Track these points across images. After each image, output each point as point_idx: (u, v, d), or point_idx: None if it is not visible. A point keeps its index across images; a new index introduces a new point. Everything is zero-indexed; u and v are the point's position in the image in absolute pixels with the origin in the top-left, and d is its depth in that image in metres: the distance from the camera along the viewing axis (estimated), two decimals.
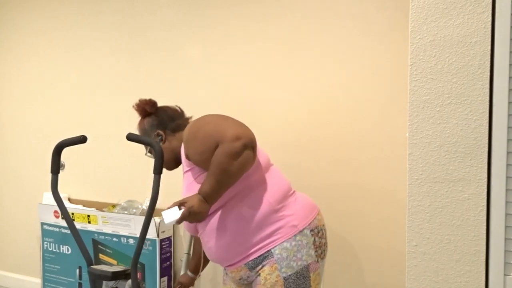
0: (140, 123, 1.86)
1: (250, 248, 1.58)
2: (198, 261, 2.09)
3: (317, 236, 1.62)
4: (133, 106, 1.86)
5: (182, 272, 2.26)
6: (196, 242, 2.09)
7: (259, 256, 1.57)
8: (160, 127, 1.82)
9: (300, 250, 1.56)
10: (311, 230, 1.61)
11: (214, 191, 1.50)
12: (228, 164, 1.47)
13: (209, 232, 1.63)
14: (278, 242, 1.56)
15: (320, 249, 1.62)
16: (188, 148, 1.60)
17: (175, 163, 1.83)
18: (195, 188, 1.60)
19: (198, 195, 1.52)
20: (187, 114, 2.02)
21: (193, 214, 1.50)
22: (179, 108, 1.91)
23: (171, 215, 1.51)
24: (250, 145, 1.49)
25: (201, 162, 1.57)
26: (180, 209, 1.53)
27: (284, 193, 1.63)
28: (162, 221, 1.45)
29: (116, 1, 2.77)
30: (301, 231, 1.58)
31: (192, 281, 2.12)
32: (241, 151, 1.47)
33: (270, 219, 1.57)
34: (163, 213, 1.52)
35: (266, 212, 1.57)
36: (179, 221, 1.51)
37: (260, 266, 1.57)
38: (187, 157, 1.62)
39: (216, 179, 1.49)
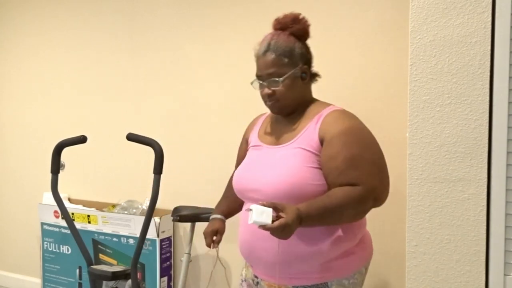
0: (288, 40, 1.50)
1: (313, 267, 1.44)
2: (233, 204, 1.72)
3: (365, 275, 1.58)
4: (282, 16, 1.55)
5: (182, 273, 2.25)
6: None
7: (312, 285, 1.45)
8: (307, 62, 1.54)
9: None
10: (366, 269, 1.57)
11: (317, 219, 1.36)
12: (348, 210, 1.38)
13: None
14: (338, 277, 1.46)
15: None
16: (335, 142, 1.40)
17: (292, 108, 1.53)
18: (299, 170, 1.41)
19: (298, 211, 1.31)
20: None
21: (282, 231, 1.29)
22: None
23: (262, 216, 1.28)
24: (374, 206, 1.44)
25: (328, 167, 1.41)
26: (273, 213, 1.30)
27: (365, 222, 1.58)
28: (250, 215, 1.26)
29: (116, 1, 2.77)
30: (359, 270, 1.52)
31: (224, 225, 1.74)
32: (368, 210, 1.43)
33: (350, 243, 1.48)
34: (253, 207, 1.28)
35: (351, 235, 1.48)
36: (265, 228, 1.29)
37: None
38: (320, 143, 1.43)
39: (328, 211, 1.35)
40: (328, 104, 1.55)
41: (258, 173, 1.49)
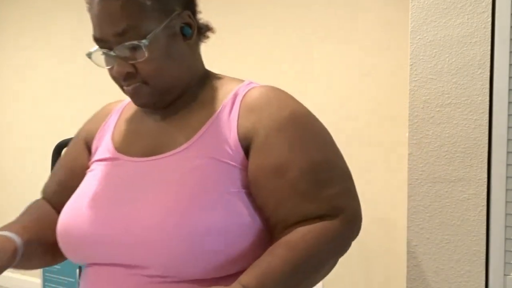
0: None
1: None
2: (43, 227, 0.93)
3: None
4: None
5: None
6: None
7: None
8: (188, 6, 0.88)
9: None
10: None
11: None
12: (329, 262, 0.80)
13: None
14: None
15: None
16: (277, 141, 0.80)
17: (174, 93, 0.87)
18: (206, 204, 0.76)
19: None
20: None
21: None
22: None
23: None
24: None
25: (270, 189, 0.79)
26: None
27: None
28: None
29: None
30: None
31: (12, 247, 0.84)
32: (351, 241, 0.84)
33: None
34: None
35: None
36: None
37: None
38: (244, 144, 0.81)
39: (296, 278, 0.75)
40: (238, 79, 0.92)
41: (115, 212, 0.79)
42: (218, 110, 0.85)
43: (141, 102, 0.87)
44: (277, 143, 0.80)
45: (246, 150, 0.81)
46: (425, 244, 1.43)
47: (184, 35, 0.86)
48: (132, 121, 0.95)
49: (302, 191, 0.78)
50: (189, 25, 0.87)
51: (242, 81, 0.91)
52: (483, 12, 1.33)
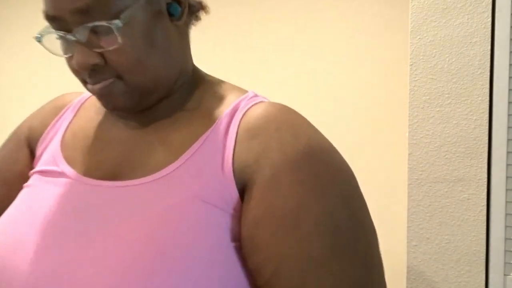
0: None
1: None
2: None
3: None
4: None
5: None
6: None
7: None
8: None
9: None
10: None
11: None
12: None
13: None
14: None
15: None
16: (291, 190, 0.56)
17: (155, 93, 0.64)
18: (193, 267, 0.53)
19: None
20: None
21: None
22: None
23: None
24: None
25: (262, 245, 0.56)
26: None
27: None
28: None
29: None
30: None
31: None
32: None
33: None
34: None
35: None
36: None
37: None
38: (242, 176, 0.58)
39: None
40: (240, 89, 0.69)
41: (48, 259, 0.55)
42: (211, 128, 0.61)
43: (112, 105, 0.62)
44: (288, 188, 0.55)
45: (242, 189, 0.57)
46: (425, 244, 1.43)
47: (171, 15, 0.62)
48: (93, 123, 0.69)
49: (315, 258, 0.53)
50: (177, 1, 0.63)
51: (245, 91, 0.67)
52: (483, 12, 1.33)
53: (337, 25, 2.16)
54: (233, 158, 0.58)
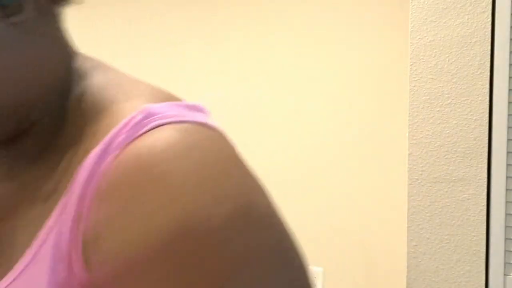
0: None
1: None
2: None
3: None
4: None
5: None
6: None
7: None
8: None
9: None
10: None
11: None
12: None
13: None
14: None
15: None
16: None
17: (13, 118, 0.38)
18: None
19: None
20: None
21: None
22: None
23: None
24: None
25: None
26: None
27: None
28: None
29: (117, 1, 2.77)
30: None
31: None
32: None
33: None
34: None
35: None
36: None
37: None
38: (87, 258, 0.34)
39: None
40: (141, 97, 0.40)
41: None
42: (69, 189, 0.37)
43: None
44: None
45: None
46: (425, 244, 1.43)
47: (2, 6, 0.36)
48: None
49: None
50: None
51: (150, 101, 0.40)
52: (483, 12, 1.33)
53: (337, 25, 2.16)
54: (83, 236, 0.35)
